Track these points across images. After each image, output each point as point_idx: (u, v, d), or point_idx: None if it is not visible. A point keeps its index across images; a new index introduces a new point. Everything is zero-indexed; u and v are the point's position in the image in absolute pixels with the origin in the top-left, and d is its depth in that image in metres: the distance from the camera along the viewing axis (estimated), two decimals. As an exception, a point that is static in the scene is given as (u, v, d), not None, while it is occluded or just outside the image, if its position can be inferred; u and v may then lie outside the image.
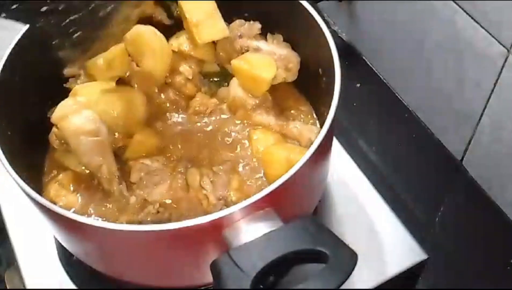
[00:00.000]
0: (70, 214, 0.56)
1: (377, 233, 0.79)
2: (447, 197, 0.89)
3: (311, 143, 0.60)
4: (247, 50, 0.75)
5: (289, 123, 0.75)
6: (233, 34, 0.76)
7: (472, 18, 0.74)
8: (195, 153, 0.74)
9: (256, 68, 0.73)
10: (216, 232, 0.54)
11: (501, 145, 0.79)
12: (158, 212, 0.67)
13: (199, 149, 0.74)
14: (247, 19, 0.77)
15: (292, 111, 0.78)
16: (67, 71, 0.72)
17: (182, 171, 0.71)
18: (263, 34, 0.77)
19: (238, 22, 0.77)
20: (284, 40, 0.76)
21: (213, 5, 0.73)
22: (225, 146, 0.75)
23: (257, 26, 0.76)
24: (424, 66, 0.87)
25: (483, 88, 0.77)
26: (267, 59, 0.74)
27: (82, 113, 0.65)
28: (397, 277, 0.75)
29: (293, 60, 0.74)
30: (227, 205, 0.67)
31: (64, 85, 0.73)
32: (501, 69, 0.73)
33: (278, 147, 0.72)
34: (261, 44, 0.75)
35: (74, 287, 0.76)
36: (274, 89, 0.76)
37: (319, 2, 1.00)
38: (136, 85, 0.74)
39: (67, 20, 0.60)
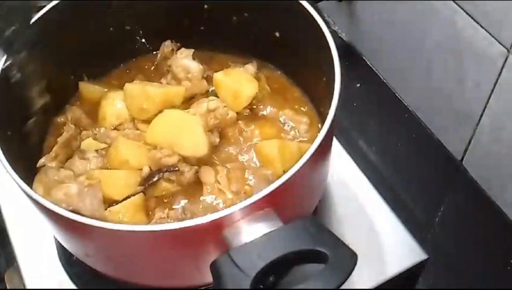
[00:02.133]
0: (70, 214, 0.56)
1: (377, 233, 0.79)
2: (447, 197, 0.89)
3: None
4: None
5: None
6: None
7: (472, 18, 0.74)
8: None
9: (238, 83, 0.74)
10: (216, 232, 0.54)
11: (501, 145, 0.79)
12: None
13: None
14: (246, 19, 0.77)
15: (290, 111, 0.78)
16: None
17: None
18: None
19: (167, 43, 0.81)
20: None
21: None
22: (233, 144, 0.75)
23: (169, 42, 0.80)
24: (424, 66, 0.87)
25: (483, 88, 0.77)
26: (248, 75, 0.76)
27: (53, 195, 0.64)
28: (397, 277, 0.75)
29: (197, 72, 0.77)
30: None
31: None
32: (501, 69, 0.73)
33: (270, 142, 0.72)
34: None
35: (74, 287, 0.76)
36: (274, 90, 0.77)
37: (319, 2, 1.00)
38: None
39: None
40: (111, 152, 0.71)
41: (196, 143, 0.70)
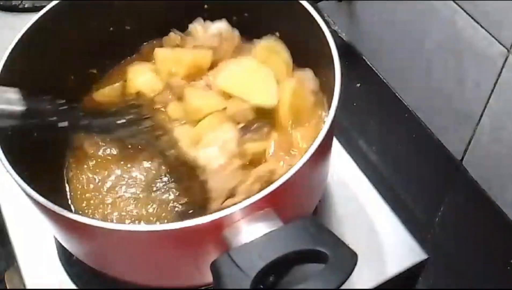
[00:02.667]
0: (70, 214, 0.56)
1: (377, 233, 0.79)
2: (447, 197, 0.89)
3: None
4: None
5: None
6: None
7: (472, 18, 0.74)
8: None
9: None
10: (216, 232, 0.54)
11: (501, 145, 0.79)
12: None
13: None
14: (246, 19, 0.77)
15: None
16: None
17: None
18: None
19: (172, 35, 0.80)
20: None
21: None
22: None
23: (173, 34, 0.79)
24: (424, 66, 0.87)
25: (483, 88, 0.77)
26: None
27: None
28: (397, 277, 0.75)
29: (226, 28, 0.77)
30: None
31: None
32: (501, 69, 0.73)
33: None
34: (189, 40, 0.78)
35: (74, 287, 0.76)
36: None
37: (319, 2, 1.00)
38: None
39: None
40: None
41: (268, 92, 0.72)
